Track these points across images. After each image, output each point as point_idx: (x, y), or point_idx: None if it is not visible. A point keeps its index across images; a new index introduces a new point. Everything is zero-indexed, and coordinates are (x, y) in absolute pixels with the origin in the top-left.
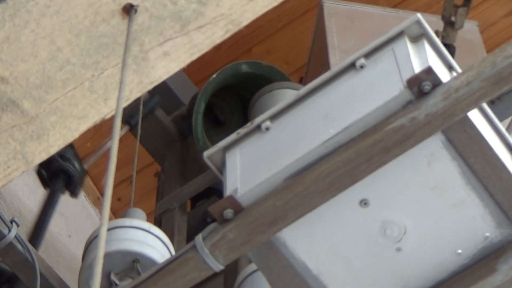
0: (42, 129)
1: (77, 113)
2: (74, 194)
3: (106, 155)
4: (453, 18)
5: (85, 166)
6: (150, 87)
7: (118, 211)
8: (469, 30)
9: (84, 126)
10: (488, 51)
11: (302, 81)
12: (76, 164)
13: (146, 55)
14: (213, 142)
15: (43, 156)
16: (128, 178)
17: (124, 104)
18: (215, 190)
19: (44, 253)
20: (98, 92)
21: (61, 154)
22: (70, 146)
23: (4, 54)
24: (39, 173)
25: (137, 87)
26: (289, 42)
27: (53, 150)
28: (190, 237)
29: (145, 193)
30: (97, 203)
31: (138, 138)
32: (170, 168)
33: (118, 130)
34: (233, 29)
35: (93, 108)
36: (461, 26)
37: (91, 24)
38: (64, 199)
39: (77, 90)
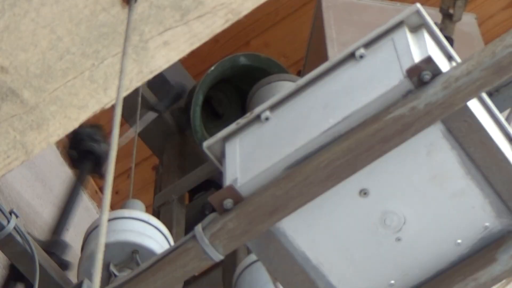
0: (42, 118)
1: (77, 103)
2: (102, 175)
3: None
4: (451, 11)
5: None
6: (150, 76)
7: (116, 204)
8: (467, 23)
9: (84, 116)
10: (486, 44)
11: (300, 74)
12: (104, 146)
13: (146, 44)
14: (211, 134)
15: (43, 146)
16: (126, 171)
17: (124, 93)
18: (213, 182)
19: None
20: (98, 81)
21: (90, 135)
22: (99, 127)
23: (4, 43)
24: (68, 153)
25: (137, 76)
26: (287, 35)
27: (53, 140)
28: (188, 229)
29: (143, 186)
30: (95, 196)
31: (137, 131)
32: (168, 161)
33: (118, 120)
34: (233, 18)
35: (93, 98)
36: (459, 19)
37: (91, 13)
38: (62, 193)
39: (77, 79)
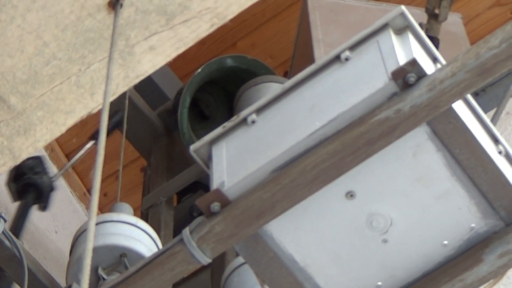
0: (29, 124)
1: (64, 108)
2: (44, 207)
3: (92, 151)
4: (436, 11)
5: (57, 177)
6: (136, 81)
7: (105, 207)
8: (453, 23)
9: (71, 121)
10: (472, 43)
11: (287, 75)
12: (46, 178)
13: (132, 49)
14: (199, 136)
15: (30, 151)
16: (114, 173)
17: (111, 98)
18: (201, 184)
19: (31, 249)
20: (84, 86)
21: (31, 168)
22: (40, 159)
23: None
24: (8, 186)
25: (123, 81)
26: (273, 36)
27: (40, 145)
28: (177, 231)
29: (131, 188)
30: (84, 198)
31: (124, 133)
32: (156, 163)
33: (105, 125)
34: (218, 22)
35: (80, 103)
36: (445, 19)
37: (77, 19)
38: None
39: (64, 84)
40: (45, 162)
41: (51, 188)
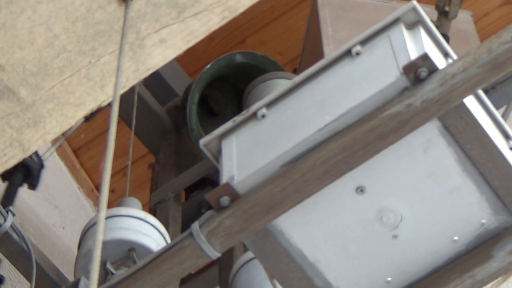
0: (39, 116)
1: (74, 101)
2: (33, 186)
3: (101, 145)
4: (447, 8)
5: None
6: (147, 74)
7: (112, 203)
8: (463, 20)
9: (81, 114)
10: (481, 42)
11: (296, 72)
12: (34, 157)
13: (143, 42)
14: (207, 132)
15: (40, 144)
16: (122, 169)
17: (121, 91)
18: (209, 180)
19: (39, 245)
20: (94, 79)
21: None
22: None
23: (0, 41)
24: None
25: (133, 74)
26: (282, 33)
27: (50, 137)
28: (185, 228)
29: (139, 184)
30: (91, 195)
31: (133, 129)
32: (165, 159)
33: (115, 117)
34: (229, 15)
35: (89, 96)
36: (455, 16)
37: (88, 11)
38: (58, 191)
39: (74, 77)
40: None
41: (41, 166)
